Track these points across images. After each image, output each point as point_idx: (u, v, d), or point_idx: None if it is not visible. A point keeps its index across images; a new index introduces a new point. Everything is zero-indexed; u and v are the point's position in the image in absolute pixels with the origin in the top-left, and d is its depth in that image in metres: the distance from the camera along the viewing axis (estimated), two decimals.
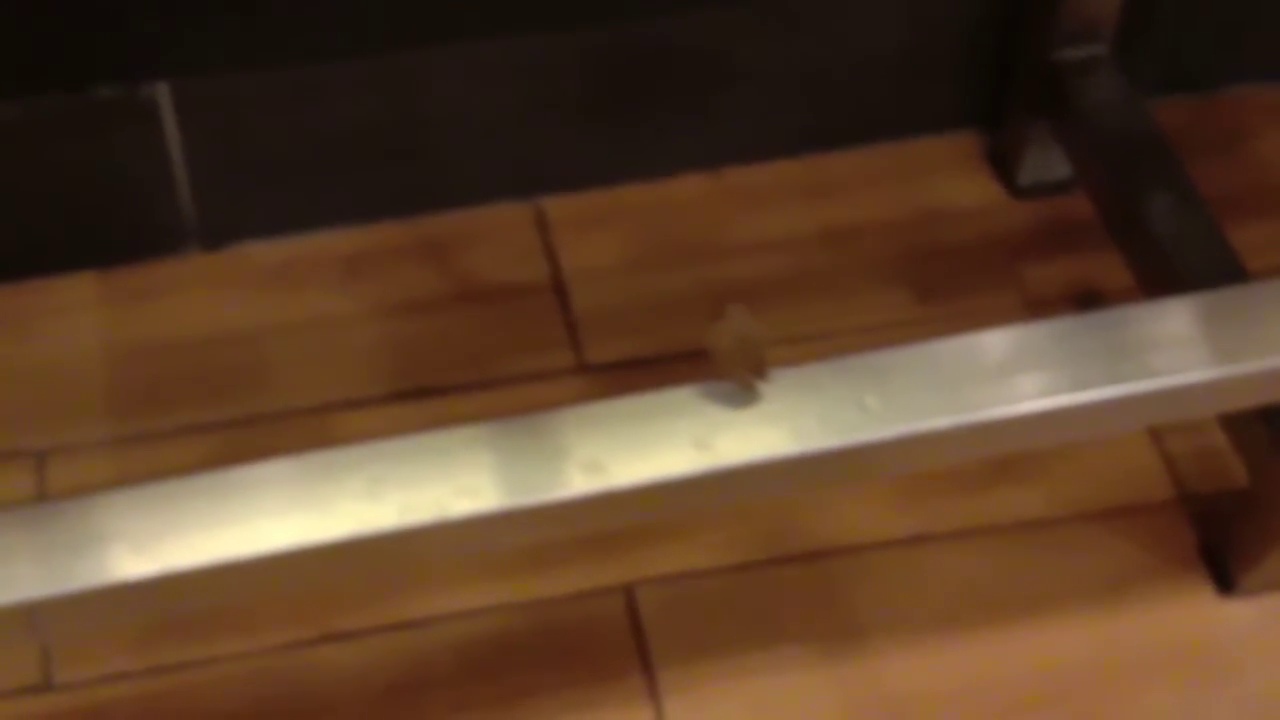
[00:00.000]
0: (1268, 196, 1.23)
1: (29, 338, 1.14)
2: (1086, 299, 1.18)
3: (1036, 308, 1.18)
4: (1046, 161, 1.22)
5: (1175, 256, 1.04)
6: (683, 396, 0.77)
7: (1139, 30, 1.17)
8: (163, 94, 1.07)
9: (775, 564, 1.06)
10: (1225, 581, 1.05)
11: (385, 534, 0.72)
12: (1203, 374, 0.79)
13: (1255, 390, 0.82)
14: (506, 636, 1.02)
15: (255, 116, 1.11)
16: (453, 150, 1.18)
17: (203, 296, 1.16)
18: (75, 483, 1.06)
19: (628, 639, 1.02)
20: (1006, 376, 0.79)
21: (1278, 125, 1.29)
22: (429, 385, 1.12)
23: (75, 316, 1.15)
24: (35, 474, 1.07)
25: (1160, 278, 1.05)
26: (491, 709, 1.00)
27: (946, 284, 1.19)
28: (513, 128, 1.18)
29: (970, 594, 1.05)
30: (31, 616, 0.71)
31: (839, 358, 0.78)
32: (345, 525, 0.72)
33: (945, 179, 1.25)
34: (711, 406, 0.76)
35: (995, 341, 0.80)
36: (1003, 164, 1.25)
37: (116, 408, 1.10)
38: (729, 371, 0.76)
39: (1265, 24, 1.27)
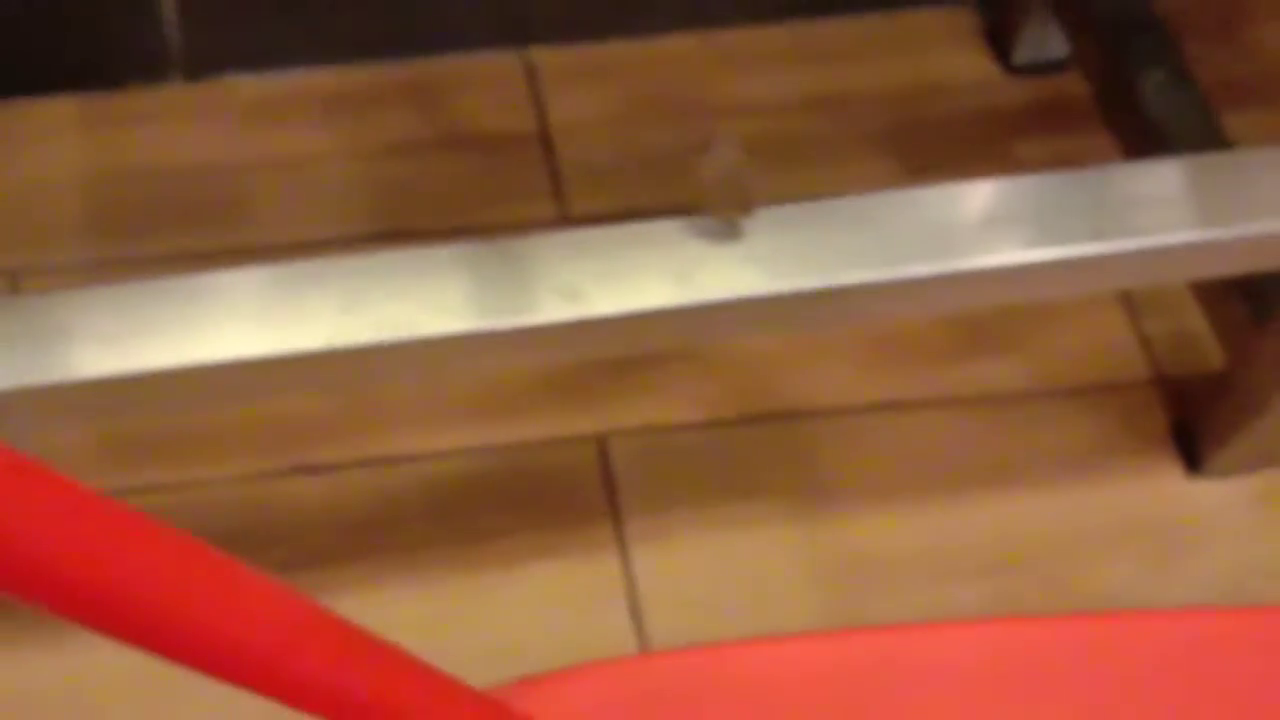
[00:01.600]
0: (1262, 82, 1.24)
1: (6, 158, 1.13)
2: (1069, 165, 1.19)
3: (1026, 168, 1.18)
4: (1043, 40, 1.22)
5: (1166, 135, 1.04)
6: (665, 229, 0.78)
7: None
8: None
9: (747, 422, 1.07)
10: (1194, 461, 1.07)
11: (357, 348, 0.73)
12: (1184, 236, 0.80)
13: (1237, 257, 0.82)
14: (477, 479, 1.03)
15: None
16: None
17: (184, 126, 1.16)
18: None
19: (598, 488, 1.03)
20: (989, 227, 0.79)
21: (1275, 12, 1.28)
22: (408, 228, 1.12)
23: (54, 140, 1.15)
24: (8, 293, 1.07)
25: (1140, 150, 1.06)
26: (459, 548, 1.01)
27: (936, 157, 1.19)
28: None
29: (939, 461, 1.06)
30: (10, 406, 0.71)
31: (825, 199, 0.78)
32: (318, 336, 0.72)
33: (939, 53, 1.25)
34: (694, 240, 0.77)
35: (979, 192, 0.80)
36: (999, 40, 1.25)
37: (92, 232, 1.11)
38: (713, 205, 0.76)
39: None
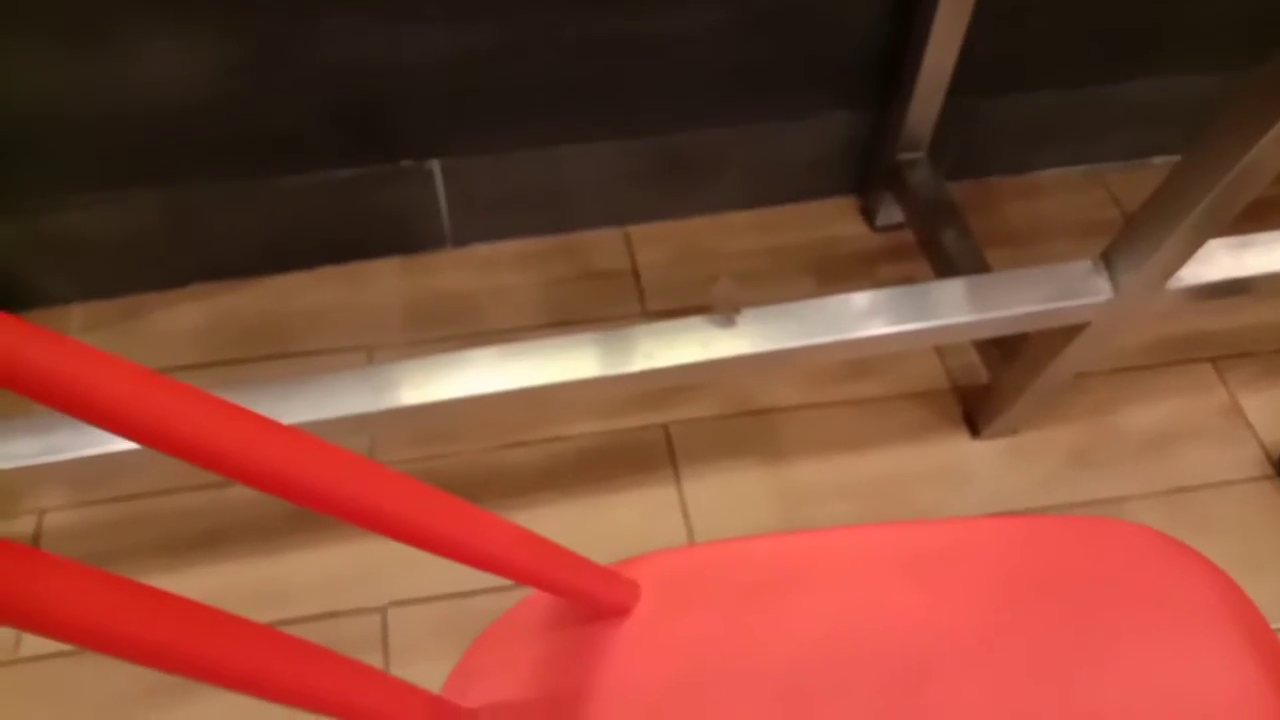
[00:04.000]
0: (1008, 237, 1.21)
1: (359, 291, 1.13)
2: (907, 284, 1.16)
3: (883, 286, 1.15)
4: (890, 213, 1.19)
5: (956, 265, 1.02)
6: (696, 323, 0.78)
7: (941, 144, 1.14)
8: (434, 165, 1.07)
9: (741, 415, 1.05)
10: (974, 432, 1.05)
11: (542, 385, 0.74)
12: (966, 318, 0.79)
13: (991, 328, 0.81)
14: (599, 449, 1.02)
15: (486, 178, 1.10)
16: (581, 200, 1.16)
17: (453, 272, 1.16)
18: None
19: (665, 452, 1.02)
20: (864, 315, 0.79)
21: (1016, 198, 1.25)
22: (565, 320, 1.11)
23: (388, 279, 1.14)
24: (367, 360, 1.07)
25: (946, 274, 1.03)
26: (589, 484, 0.99)
27: (835, 276, 1.16)
28: (613, 189, 1.16)
29: (838, 436, 1.04)
30: (363, 424, 0.73)
31: (776, 305, 0.78)
32: (522, 380, 0.74)
33: (836, 223, 1.22)
34: (710, 328, 0.77)
35: (859, 299, 0.80)
36: (867, 214, 1.22)
37: (410, 324, 1.10)
38: (720, 309, 0.78)
39: (1007, 143, 1.23)
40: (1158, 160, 1.28)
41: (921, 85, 1.04)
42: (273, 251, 1.12)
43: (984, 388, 1.04)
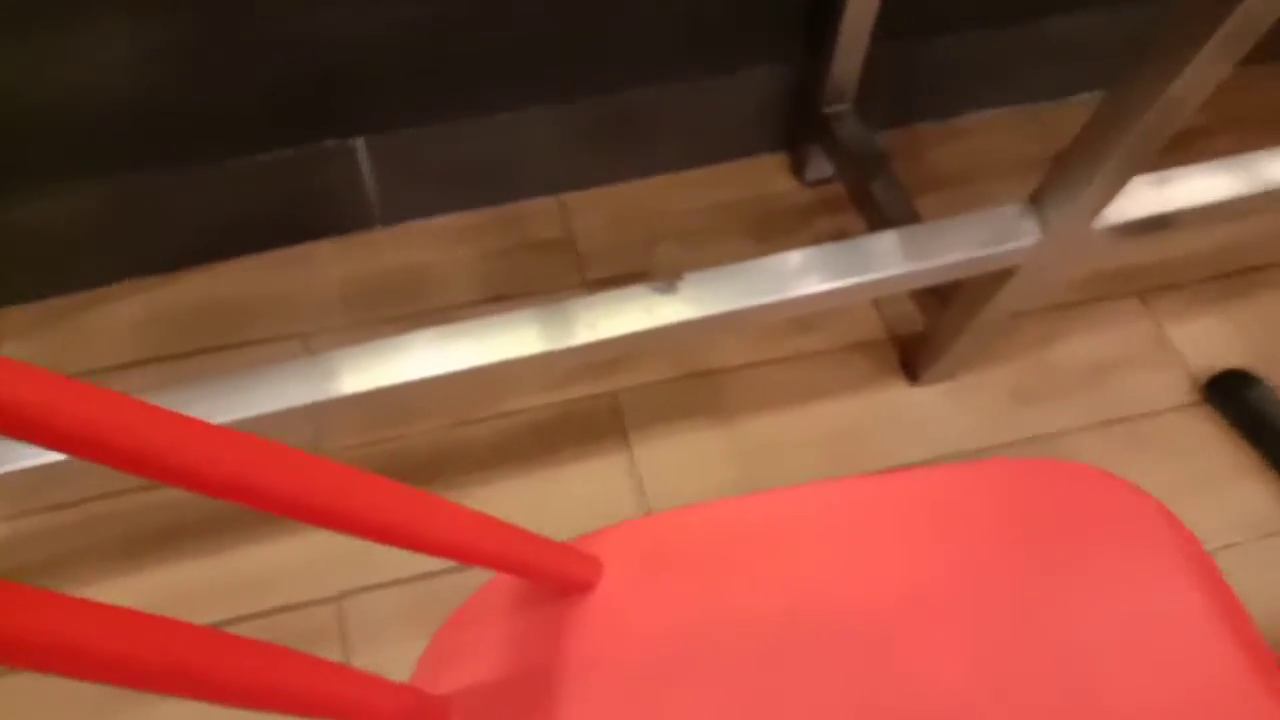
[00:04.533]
0: (939, 182, 1.22)
1: (303, 273, 1.11)
2: (841, 237, 1.16)
3: (817, 242, 1.15)
4: (820, 166, 1.19)
5: (886, 213, 1.03)
6: (638, 291, 0.77)
7: (867, 94, 1.15)
8: (358, 143, 1.05)
9: (689, 378, 1.05)
10: (913, 378, 1.06)
11: (486, 365, 0.74)
12: (900, 269, 0.80)
13: (925, 278, 0.82)
14: (549, 420, 1.02)
15: (413, 154, 1.08)
16: (512, 170, 1.15)
17: (388, 249, 1.14)
18: (329, 348, 1.05)
19: (614, 420, 1.02)
20: (801, 274, 0.79)
21: (945, 143, 1.26)
22: (504, 294, 1.10)
23: (322, 261, 1.12)
24: (303, 347, 1.06)
25: (878, 225, 1.04)
26: (542, 456, 0.99)
27: (772, 232, 1.16)
28: (545, 156, 1.15)
29: (785, 392, 1.05)
30: (308, 415, 0.72)
31: (716, 268, 0.78)
32: (463, 361, 0.73)
33: (769, 180, 1.22)
34: (653, 295, 0.77)
35: (794, 257, 0.80)
36: (797, 169, 1.22)
37: (347, 306, 1.09)
38: (661, 276, 0.77)
39: (933, 87, 1.24)
40: (1084, 96, 1.30)
41: (844, 34, 1.04)
42: (204, 241, 1.09)
43: (920, 335, 1.06)
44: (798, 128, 1.20)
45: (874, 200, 1.06)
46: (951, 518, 0.48)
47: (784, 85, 1.15)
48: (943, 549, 0.47)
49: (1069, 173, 0.75)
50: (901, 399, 1.05)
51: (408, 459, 0.99)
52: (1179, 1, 0.62)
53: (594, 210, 1.18)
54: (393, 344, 0.74)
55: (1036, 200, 0.80)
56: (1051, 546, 0.46)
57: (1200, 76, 0.63)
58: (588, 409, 1.03)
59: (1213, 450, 1.01)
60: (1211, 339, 1.09)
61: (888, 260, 0.80)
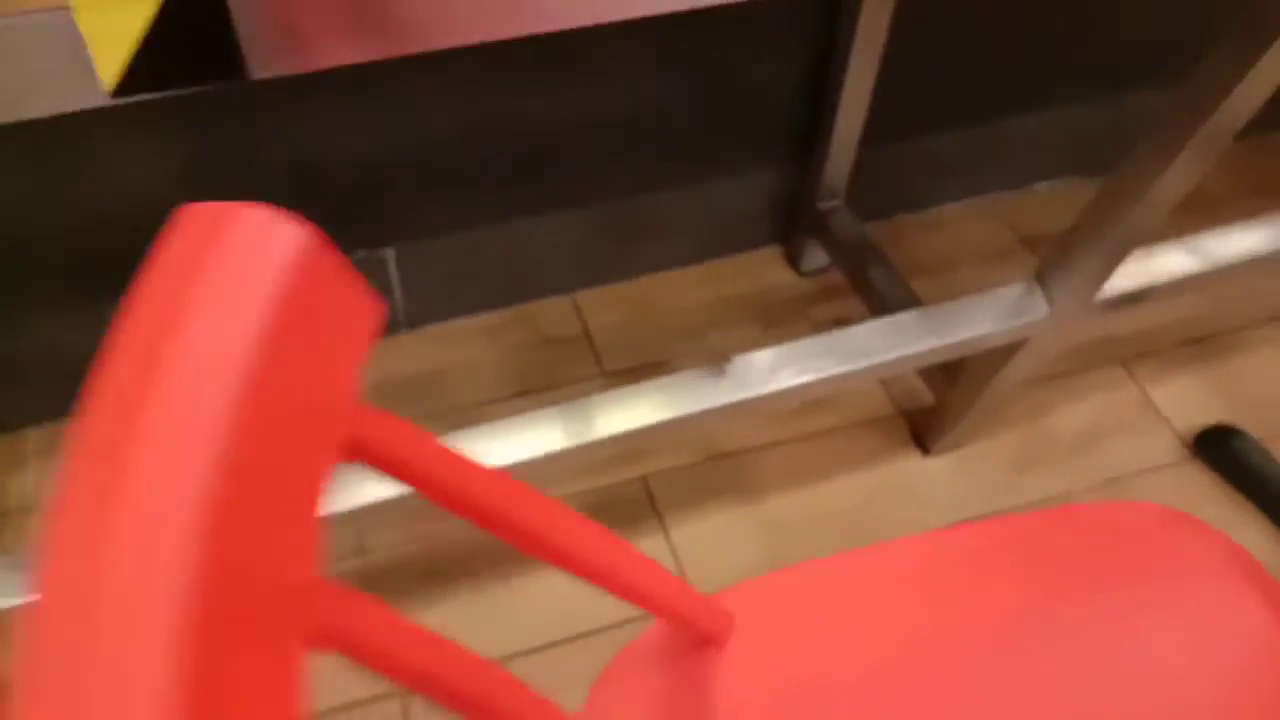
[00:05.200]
0: (922, 269, 1.29)
1: None
2: (841, 322, 1.20)
3: (819, 328, 1.22)
4: (815, 258, 1.26)
5: (885, 297, 1.10)
6: (689, 375, 0.82)
7: (856, 190, 1.23)
8: (388, 254, 1.10)
9: (711, 460, 1.09)
10: (925, 450, 1.11)
11: (520, 463, 0.77)
12: (922, 347, 0.86)
13: (929, 357, 0.88)
14: (584, 509, 1.04)
15: (437, 260, 1.12)
16: (529, 271, 1.20)
17: (412, 352, 1.17)
18: None
19: (647, 504, 1.05)
20: (841, 352, 0.85)
21: (917, 235, 1.34)
22: (529, 388, 1.14)
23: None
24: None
25: (879, 308, 1.10)
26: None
27: (776, 319, 1.22)
28: (560, 258, 1.20)
29: (804, 469, 1.09)
30: (350, 519, 0.75)
31: (742, 355, 0.84)
32: (499, 459, 0.77)
33: (768, 271, 1.28)
34: (706, 379, 0.81)
35: (833, 338, 0.85)
36: (794, 261, 1.29)
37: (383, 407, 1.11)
38: (711, 363, 0.82)
39: (910, 183, 1.33)
40: (1040, 186, 1.41)
41: (837, 140, 1.13)
42: None
43: (929, 409, 1.12)
44: (794, 223, 1.28)
45: (873, 286, 1.13)
46: (1036, 560, 0.53)
47: (780, 186, 1.24)
48: (1031, 588, 0.52)
49: (1073, 251, 0.83)
50: (914, 471, 1.10)
51: (451, 553, 1.01)
52: (1170, 106, 0.71)
53: (607, 306, 1.24)
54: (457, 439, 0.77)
55: (1041, 277, 0.87)
56: (1130, 581, 0.51)
57: (1188, 167, 0.72)
58: (622, 494, 1.06)
59: (1207, 502, 1.08)
60: (1192, 399, 1.17)
61: (917, 338, 0.86)
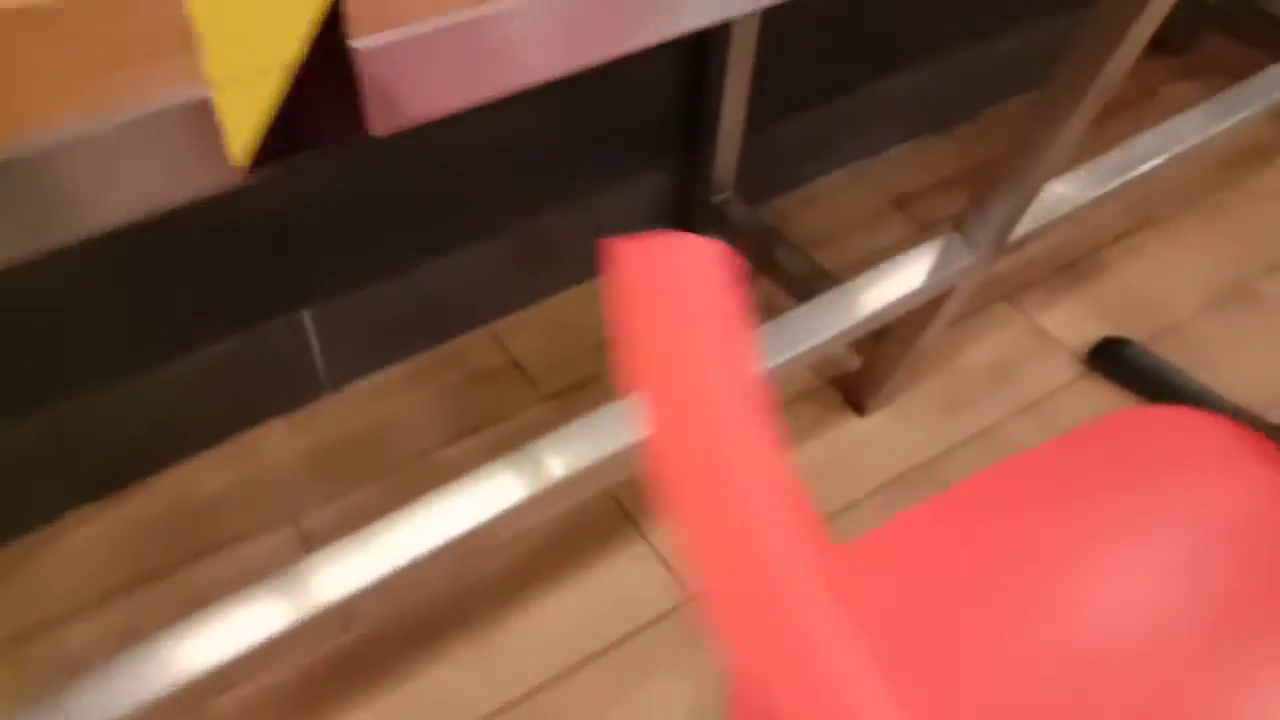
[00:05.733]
0: (812, 243, 1.35)
1: (256, 454, 1.08)
2: (756, 306, 1.27)
3: None
4: None
5: (797, 275, 1.14)
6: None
7: (744, 179, 1.28)
8: (305, 316, 1.05)
9: None
10: (860, 411, 1.16)
11: (476, 525, 0.75)
12: (871, 310, 0.90)
13: (869, 324, 0.92)
14: (561, 534, 1.04)
15: (354, 315, 1.09)
16: (444, 310, 1.17)
17: (342, 413, 1.13)
18: (325, 535, 1.04)
19: (622, 515, 1.05)
20: (786, 340, 0.87)
21: (801, 211, 1.40)
22: (473, 425, 1.12)
23: (281, 441, 1.10)
24: (295, 531, 1.04)
25: (794, 286, 1.15)
26: (568, 569, 1.01)
27: None
28: (472, 291, 1.19)
29: None
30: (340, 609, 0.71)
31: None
32: (463, 524, 0.75)
33: None
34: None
35: (780, 323, 0.87)
36: None
37: (320, 479, 1.07)
38: None
39: (789, 162, 1.39)
40: (893, 150, 1.50)
41: (723, 134, 1.16)
42: (152, 450, 1.05)
43: (857, 373, 1.17)
44: (687, 221, 1.31)
45: (781, 266, 1.17)
46: (1076, 477, 0.58)
47: (669, 187, 1.27)
48: (1082, 502, 0.56)
49: (990, 196, 0.89)
50: (856, 431, 1.15)
51: (438, 606, 0.98)
52: (1055, 77, 0.77)
53: (526, 332, 1.23)
54: (381, 527, 0.73)
55: (961, 227, 0.94)
56: (1168, 473, 0.57)
57: (1094, 105, 0.79)
58: (594, 511, 1.06)
59: (1114, 408, 1.18)
60: (1077, 320, 1.28)
61: (857, 308, 0.90)
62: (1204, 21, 1.63)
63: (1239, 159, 1.50)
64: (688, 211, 1.30)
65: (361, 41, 0.33)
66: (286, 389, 1.11)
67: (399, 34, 0.33)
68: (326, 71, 0.33)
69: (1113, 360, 1.20)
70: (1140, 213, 1.43)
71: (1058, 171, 0.87)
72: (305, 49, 0.32)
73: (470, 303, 1.20)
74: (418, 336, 1.19)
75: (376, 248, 1.06)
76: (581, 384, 1.18)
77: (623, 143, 1.18)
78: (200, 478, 1.06)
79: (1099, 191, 0.97)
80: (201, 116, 0.32)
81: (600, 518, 1.06)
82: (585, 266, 1.28)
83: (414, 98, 0.35)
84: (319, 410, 1.13)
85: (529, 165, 1.11)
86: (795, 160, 1.39)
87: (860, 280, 0.94)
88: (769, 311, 1.25)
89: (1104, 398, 1.19)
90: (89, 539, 1.01)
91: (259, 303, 1.01)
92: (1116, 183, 0.98)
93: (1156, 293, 1.32)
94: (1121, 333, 1.24)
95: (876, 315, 0.92)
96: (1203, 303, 1.31)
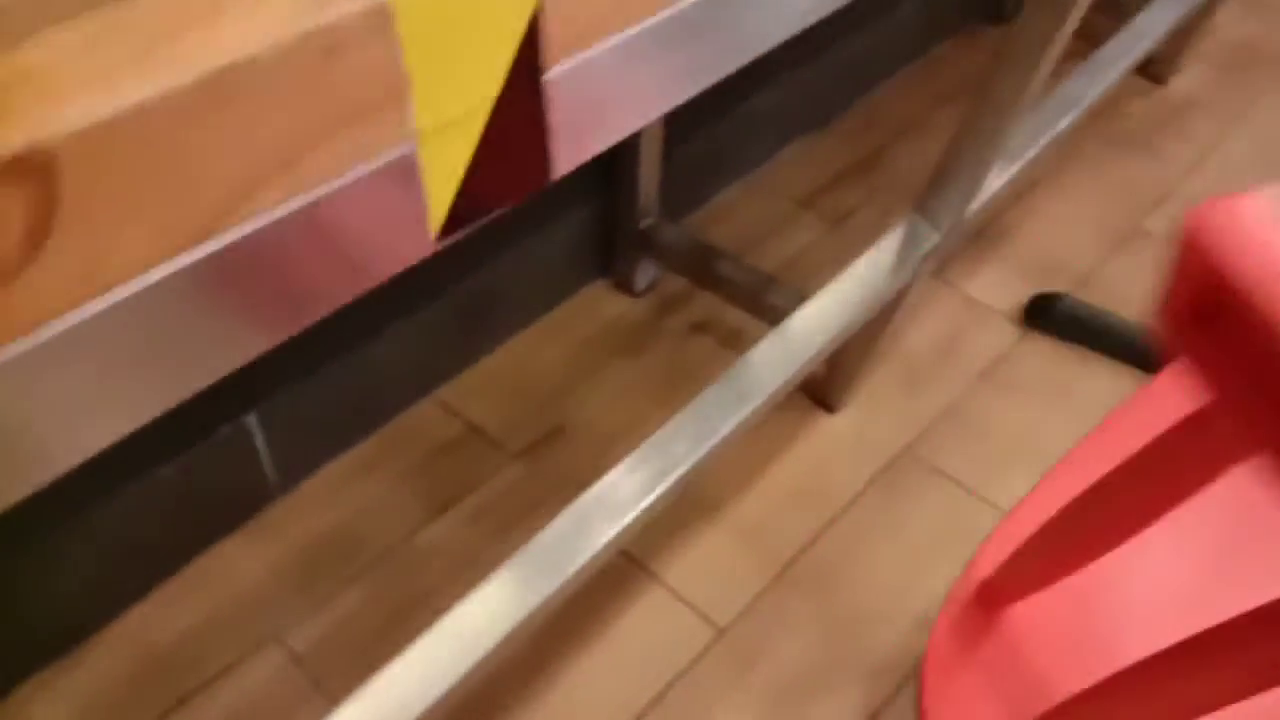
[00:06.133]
0: (738, 252, 1.36)
1: (225, 573, 0.99)
2: (700, 326, 1.25)
3: (679, 339, 1.23)
4: (646, 274, 1.27)
5: (740, 284, 1.15)
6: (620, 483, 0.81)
7: (670, 205, 1.27)
8: (252, 420, 0.98)
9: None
10: (830, 409, 1.16)
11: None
12: (856, 316, 0.90)
13: (871, 310, 0.93)
14: (574, 597, 0.99)
15: (298, 409, 1.02)
16: (387, 387, 1.11)
17: (301, 515, 1.05)
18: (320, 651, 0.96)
19: (629, 564, 1.01)
20: (775, 366, 0.87)
21: (715, 226, 1.40)
22: (449, 498, 1.06)
23: (242, 558, 1.01)
24: (284, 651, 0.95)
25: (741, 298, 1.16)
26: (591, 631, 0.97)
27: (636, 348, 1.22)
28: (413, 362, 1.14)
29: (741, 467, 1.10)
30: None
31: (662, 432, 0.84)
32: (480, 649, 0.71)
33: (603, 304, 1.27)
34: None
35: (756, 356, 0.88)
36: (625, 285, 1.29)
37: (297, 589, 0.99)
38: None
39: (698, 178, 1.39)
40: (781, 154, 1.52)
41: (644, 161, 1.16)
42: (107, 591, 0.94)
43: (826, 374, 1.16)
44: (614, 250, 1.29)
45: (726, 279, 1.17)
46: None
47: (589, 220, 1.24)
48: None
49: (948, 176, 0.91)
50: (831, 429, 1.15)
51: (463, 709, 0.91)
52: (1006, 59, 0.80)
53: (475, 394, 1.18)
54: (388, 678, 0.70)
55: (924, 210, 0.95)
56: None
57: (1040, 78, 0.81)
58: (614, 576, 1.01)
59: (1059, 362, 1.23)
60: (1002, 283, 1.32)
61: (839, 318, 0.91)
62: None
63: (1098, 110, 1.59)
64: (615, 240, 1.28)
65: (556, 68, 0.29)
66: (237, 500, 1.02)
67: (590, 53, 0.30)
68: (515, 109, 0.29)
69: (1048, 315, 1.25)
70: (1027, 174, 1.49)
71: (1006, 147, 0.89)
72: (507, 82, 0.28)
73: (412, 374, 1.14)
74: (364, 418, 1.12)
75: (310, 336, 0.98)
76: (549, 436, 1.13)
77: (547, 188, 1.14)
78: (164, 614, 0.96)
79: (1027, 157, 1.01)
80: (405, 175, 0.27)
81: (612, 572, 1.01)
82: (523, 312, 1.24)
83: (598, 124, 0.31)
84: (274, 516, 1.04)
85: None
86: (698, 178, 1.39)
87: (837, 283, 0.94)
88: (722, 328, 1.25)
89: (1048, 354, 1.24)
90: (54, 705, 0.89)
91: (203, 413, 0.92)
92: (1036, 148, 1.02)
93: (1063, 247, 1.38)
94: (1044, 289, 1.29)
95: (865, 311, 0.92)
96: (1105, 248, 1.38)
